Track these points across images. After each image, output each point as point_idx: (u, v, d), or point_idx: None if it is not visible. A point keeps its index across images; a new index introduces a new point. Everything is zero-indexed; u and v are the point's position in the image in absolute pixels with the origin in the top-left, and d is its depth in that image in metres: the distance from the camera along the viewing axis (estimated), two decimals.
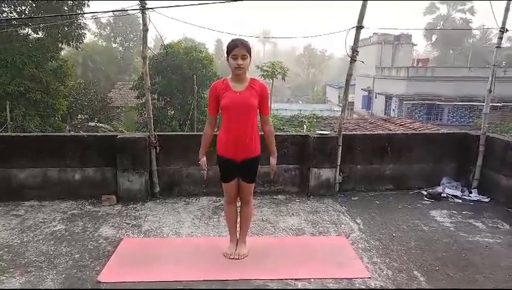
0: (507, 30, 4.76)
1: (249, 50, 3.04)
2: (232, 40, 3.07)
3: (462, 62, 39.66)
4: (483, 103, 5.28)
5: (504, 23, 4.79)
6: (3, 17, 14.99)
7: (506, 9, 4.78)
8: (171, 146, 4.98)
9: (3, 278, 3.04)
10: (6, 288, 2.92)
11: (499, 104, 21.13)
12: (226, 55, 3.10)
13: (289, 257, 3.42)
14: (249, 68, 3.15)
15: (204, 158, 3.33)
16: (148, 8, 4.46)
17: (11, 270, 3.16)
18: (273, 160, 3.36)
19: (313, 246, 3.66)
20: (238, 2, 4.86)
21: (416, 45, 34.79)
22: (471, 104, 23.40)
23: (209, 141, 3.32)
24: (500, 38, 4.90)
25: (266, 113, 3.23)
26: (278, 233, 3.95)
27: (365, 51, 30.53)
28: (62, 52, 17.85)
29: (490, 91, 5.08)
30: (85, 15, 15.52)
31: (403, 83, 24.84)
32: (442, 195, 5.02)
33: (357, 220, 4.27)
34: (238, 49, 3.00)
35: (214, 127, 3.33)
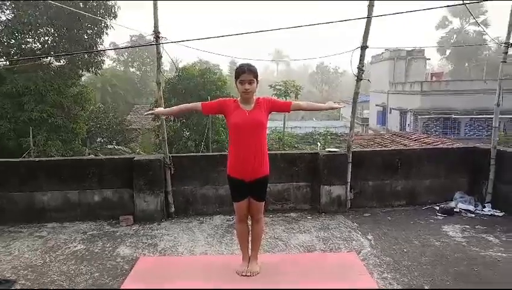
0: (511, 45, 4.82)
1: (255, 75, 3.21)
2: (240, 66, 3.24)
3: (477, 75, 39.12)
4: (500, 115, 5.28)
5: (508, 38, 4.85)
6: (27, 48, 15.74)
7: (510, 24, 4.86)
8: (185, 167, 5.15)
9: None
10: None
11: None
12: (234, 79, 3.28)
13: (300, 273, 3.48)
14: (258, 89, 3.32)
15: (161, 110, 3.90)
16: (162, 43, 4.73)
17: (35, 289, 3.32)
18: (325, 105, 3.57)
19: (324, 263, 3.72)
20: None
21: (429, 59, 34.61)
22: (488, 117, 23.01)
23: (182, 108, 3.80)
24: (505, 52, 4.96)
25: (287, 103, 3.49)
26: (289, 250, 4.02)
27: (378, 67, 30.69)
28: (82, 78, 18.57)
29: (498, 105, 5.11)
30: (104, 45, 16.27)
31: (417, 98, 24.70)
32: (455, 210, 5.01)
33: (368, 236, 4.30)
34: (245, 74, 3.17)
35: (193, 110, 3.67)
